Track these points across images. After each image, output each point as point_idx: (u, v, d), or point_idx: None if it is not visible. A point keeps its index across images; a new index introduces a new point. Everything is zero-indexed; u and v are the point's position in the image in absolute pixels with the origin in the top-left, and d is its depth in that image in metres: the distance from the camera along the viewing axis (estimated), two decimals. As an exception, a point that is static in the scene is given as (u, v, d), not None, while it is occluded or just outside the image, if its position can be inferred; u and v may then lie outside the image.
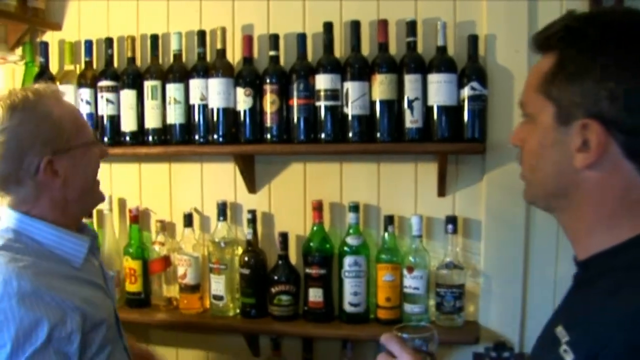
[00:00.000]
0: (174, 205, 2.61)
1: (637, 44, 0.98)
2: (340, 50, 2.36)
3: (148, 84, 2.46)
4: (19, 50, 2.70)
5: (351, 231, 2.33)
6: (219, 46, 2.41)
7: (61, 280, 1.58)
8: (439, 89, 2.19)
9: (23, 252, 1.55)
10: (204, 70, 2.39)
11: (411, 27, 2.25)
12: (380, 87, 2.23)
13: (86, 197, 1.72)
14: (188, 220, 2.51)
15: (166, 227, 2.56)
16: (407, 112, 2.22)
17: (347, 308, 2.32)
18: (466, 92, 2.19)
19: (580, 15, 1.06)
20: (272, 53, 2.36)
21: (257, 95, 2.35)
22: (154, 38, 2.51)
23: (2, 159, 1.56)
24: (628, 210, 1.02)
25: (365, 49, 2.32)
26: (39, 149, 1.57)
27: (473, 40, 2.22)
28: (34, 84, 2.50)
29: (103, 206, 2.42)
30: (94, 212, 2.57)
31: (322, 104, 2.27)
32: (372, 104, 2.25)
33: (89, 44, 2.57)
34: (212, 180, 2.58)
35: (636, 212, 1.02)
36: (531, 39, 1.12)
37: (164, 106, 2.45)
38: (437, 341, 1.30)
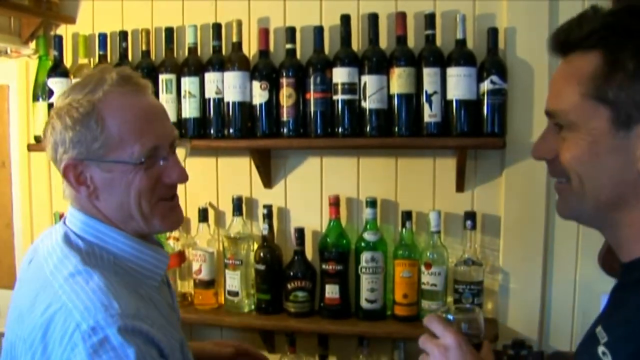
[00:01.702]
0: (188, 200, 2.58)
1: None
2: (357, 43, 2.33)
3: (163, 78, 2.44)
4: (32, 44, 2.69)
5: (368, 227, 2.30)
6: (234, 39, 2.39)
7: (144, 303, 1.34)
8: (458, 83, 2.16)
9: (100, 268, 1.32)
10: (220, 63, 2.37)
11: (430, 19, 2.22)
12: (399, 80, 2.20)
13: (126, 218, 1.39)
14: (203, 215, 2.49)
15: (181, 222, 2.53)
16: (426, 106, 2.19)
17: (364, 304, 2.30)
18: (486, 86, 2.16)
19: (614, 11, 0.99)
20: (288, 46, 2.33)
21: (273, 89, 2.32)
22: (169, 31, 2.49)
23: (46, 146, 1.38)
24: None
25: (383, 42, 2.29)
26: (66, 147, 1.34)
27: (493, 33, 2.19)
28: (47, 78, 2.51)
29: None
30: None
31: (339, 97, 2.24)
32: (390, 97, 2.22)
33: (103, 37, 2.55)
34: (228, 175, 2.56)
35: None
36: (553, 41, 1.04)
37: (179, 100, 2.43)
38: (483, 323, 1.27)
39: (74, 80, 2.46)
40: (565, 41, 1.02)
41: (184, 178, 1.42)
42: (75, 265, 1.30)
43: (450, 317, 1.24)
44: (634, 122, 0.95)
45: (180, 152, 1.47)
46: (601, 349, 0.98)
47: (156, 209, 1.39)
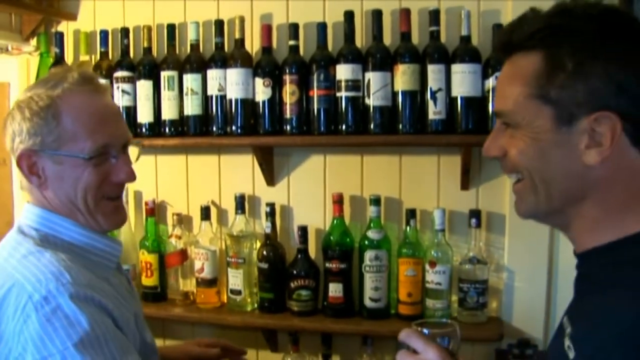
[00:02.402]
0: (191, 198, 2.58)
1: (634, 34, 0.96)
2: (361, 39, 2.31)
3: (165, 75, 2.42)
4: (33, 41, 2.67)
5: (372, 225, 2.28)
6: (237, 36, 2.37)
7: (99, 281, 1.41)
8: (463, 80, 2.14)
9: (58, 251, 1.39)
10: (222, 60, 2.35)
11: (434, 16, 2.20)
12: (403, 77, 2.18)
13: (74, 210, 1.45)
14: (205, 213, 2.47)
15: (183, 220, 2.52)
16: (430, 103, 2.17)
17: (368, 303, 2.28)
18: (491, 82, 2.14)
19: (553, 12, 1.01)
20: (291, 43, 2.31)
21: (276, 86, 2.30)
22: (171, 28, 2.47)
23: (9, 132, 1.43)
24: (633, 201, 0.99)
25: (387, 39, 2.27)
26: (22, 138, 1.40)
27: (498, 29, 2.16)
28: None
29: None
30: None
31: (342, 94, 2.22)
32: (394, 94, 2.20)
33: (104, 34, 2.53)
34: (230, 173, 2.54)
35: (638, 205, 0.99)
36: (498, 42, 1.07)
37: (181, 97, 2.41)
38: (460, 338, 1.24)
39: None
40: (508, 42, 1.05)
41: (131, 178, 1.49)
42: (27, 248, 1.38)
43: (425, 331, 1.20)
44: (575, 119, 0.97)
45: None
46: (567, 342, 1.00)
47: (100, 206, 1.46)
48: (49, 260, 1.33)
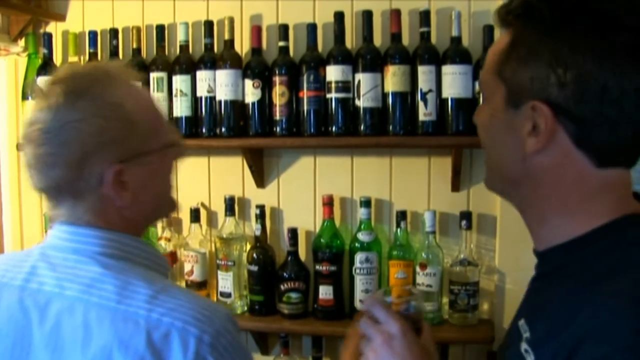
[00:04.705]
0: (180, 200, 2.49)
1: (592, 29, 0.91)
2: (351, 40, 2.30)
3: (154, 76, 2.40)
4: (21, 42, 2.64)
5: (362, 227, 2.27)
6: (226, 37, 2.35)
7: None
8: (454, 81, 2.13)
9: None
10: (212, 61, 2.34)
11: (425, 17, 2.19)
12: (393, 78, 2.17)
13: (158, 210, 1.35)
14: (195, 216, 2.46)
15: (172, 223, 2.50)
16: (421, 105, 2.16)
17: (358, 305, 2.27)
18: (481, 84, 2.13)
19: None
20: (281, 44, 2.30)
21: (266, 87, 2.29)
22: (160, 29, 2.45)
23: (55, 164, 1.17)
24: (581, 202, 0.98)
25: (377, 40, 2.26)
26: (104, 155, 1.17)
27: (489, 30, 2.16)
28: (37, 76, 2.47)
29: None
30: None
31: (332, 96, 2.21)
32: (385, 96, 2.19)
33: (93, 35, 2.51)
34: (220, 175, 2.53)
35: (590, 205, 0.97)
36: (494, 13, 1.05)
37: (170, 98, 2.39)
38: (423, 304, 1.23)
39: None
40: (499, 15, 1.04)
41: None
42: (143, 285, 1.17)
43: (389, 299, 1.20)
44: (522, 102, 0.96)
45: None
46: (524, 346, 0.97)
47: None
48: (184, 292, 1.20)
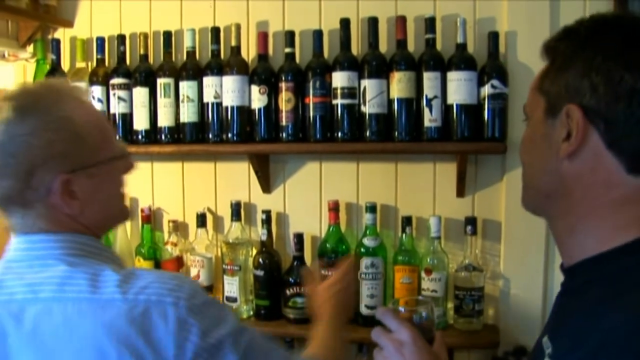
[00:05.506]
0: (186, 205, 2.57)
1: (622, 40, 0.97)
2: (357, 47, 2.32)
3: (161, 82, 2.42)
4: (30, 48, 2.66)
5: (368, 232, 2.28)
6: (233, 43, 2.37)
7: None
8: (459, 87, 2.14)
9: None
10: (218, 67, 2.35)
11: (430, 23, 2.20)
12: (399, 85, 2.18)
13: (109, 218, 1.40)
14: (201, 221, 2.47)
15: (179, 227, 2.52)
16: (426, 111, 2.17)
17: (364, 311, 2.28)
18: (486, 90, 2.14)
19: (583, 19, 1.04)
20: (287, 50, 2.32)
21: (272, 93, 2.31)
22: (167, 35, 2.47)
23: (4, 175, 1.22)
24: (611, 210, 0.98)
25: (383, 46, 2.27)
26: (53, 166, 1.22)
27: (493, 37, 2.17)
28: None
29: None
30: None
31: (338, 102, 2.22)
32: (390, 102, 2.20)
33: (101, 41, 2.53)
34: (226, 180, 2.54)
35: (619, 215, 0.97)
36: (541, 48, 1.09)
37: (177, 104, 2.41)
38: (436, 315, 1.25)
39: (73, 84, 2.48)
40: (545, 46, 1.08)
41: None
42: (109, 273, 1.24)
43: (401, 309, 1.22)
44: (557, 111, 1.00)
45: None
46: None
47: None
48: (148, 271, 1.31)
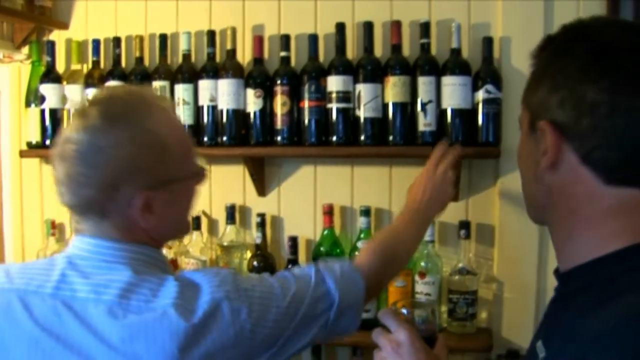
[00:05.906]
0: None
1: (586, 53, 0.97)
2: (352, 51, 2.33)
3: (156, 85, 2.42)
4: (25, 49, 2.66)
5: (362, 236, 2.29)
6: (229, 46, 2.37)
7: None
8: (453, 92, 2.16)
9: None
10: (214, 70, 2.36)
11: (425, 28, 2.21)
12: (393, 89, 2.19)
13: (177, 232, 1.45)
14: (196, 224, 2.47)
15: (173, 230, 2.51)
16: (421, 115, 2.18)
17: (358, 314, 2.28)
18: (481, 95, 2.15)
19: (565, 25, 1.04)
20: (283, 54, 2.32)
21: (268, 97, 2.31)
22: (163, 38, 2.48)
23: (86, 185, 1.22)
24: (599, 222, 0.98)
25: (378, 51, 2.28)
26: (136, 180, 1.22)
27: (488, 42, 2.19)
28: (40, 84, 2.50)
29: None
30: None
31: (333, 106, 2.23)
32: (385, 106, 2.21)
33: (96, 43, 2.53)
34: (221, 183, 2.54)
35: (606, 225, 0.98)
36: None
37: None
38: (437, 317, 1.26)
39: (67, 86, 2.48)
40: (532, 54, 1.09)
41: None
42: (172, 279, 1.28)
43: (404, 311, 1.23)
44: (536, 126, 1.01)
45: None
46: None
47: None
48: (197, 274, 1.30)
